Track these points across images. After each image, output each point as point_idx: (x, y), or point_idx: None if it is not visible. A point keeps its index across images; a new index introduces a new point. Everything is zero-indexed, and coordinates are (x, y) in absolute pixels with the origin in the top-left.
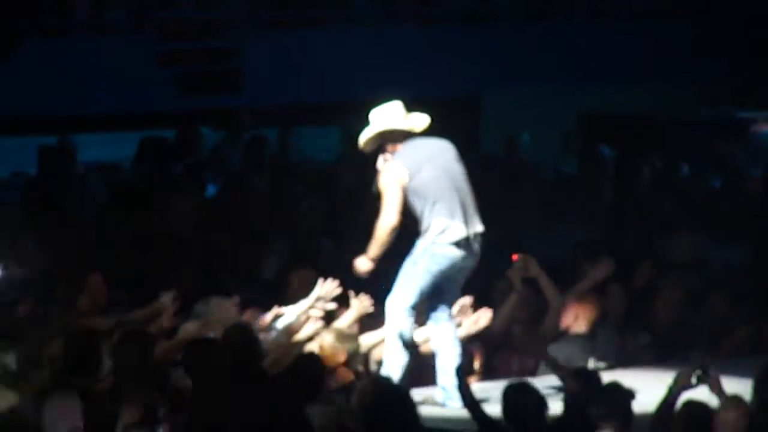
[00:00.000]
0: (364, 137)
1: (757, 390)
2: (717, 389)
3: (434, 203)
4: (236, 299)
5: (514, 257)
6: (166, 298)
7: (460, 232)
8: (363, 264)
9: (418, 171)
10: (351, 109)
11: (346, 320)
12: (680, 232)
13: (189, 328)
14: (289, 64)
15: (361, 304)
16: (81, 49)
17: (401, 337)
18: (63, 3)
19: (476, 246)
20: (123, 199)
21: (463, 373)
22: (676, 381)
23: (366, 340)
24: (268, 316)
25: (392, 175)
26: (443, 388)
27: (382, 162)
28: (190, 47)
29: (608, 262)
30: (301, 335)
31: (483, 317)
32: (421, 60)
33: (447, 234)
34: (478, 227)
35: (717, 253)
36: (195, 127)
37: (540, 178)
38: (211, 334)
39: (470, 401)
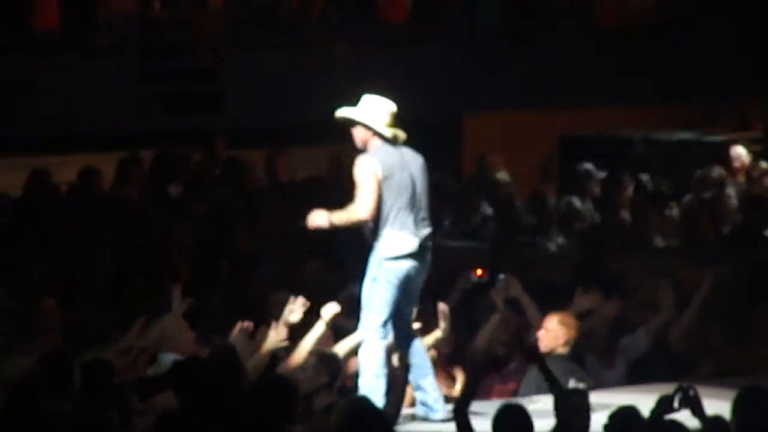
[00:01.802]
0: (346, 114)
1: (736, 411)
2: (699, 412)
3: (392, 213)
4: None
5: (477, 273)
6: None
7: (411, 244)
8: (320, 218)
9: (389, 176)
10: (335, 130)
11: (316, 334)
12: (661, 252)
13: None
14: (272, 84)
15: (326, 315)
16: (63, 68)
17: (376, 358)
18: (44, 21)
19: (428, 256)
20: (106, 218)
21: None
22: (658, 404)
23: (340, 348)
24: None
25: (369, 168)
26: (422, 403)
27: (358, 141)
28: (171, 67)
29: (595, 293)
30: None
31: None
32: (403, 81)
33: (399, 246)
34: (426, 230)
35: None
36: (178, 147)
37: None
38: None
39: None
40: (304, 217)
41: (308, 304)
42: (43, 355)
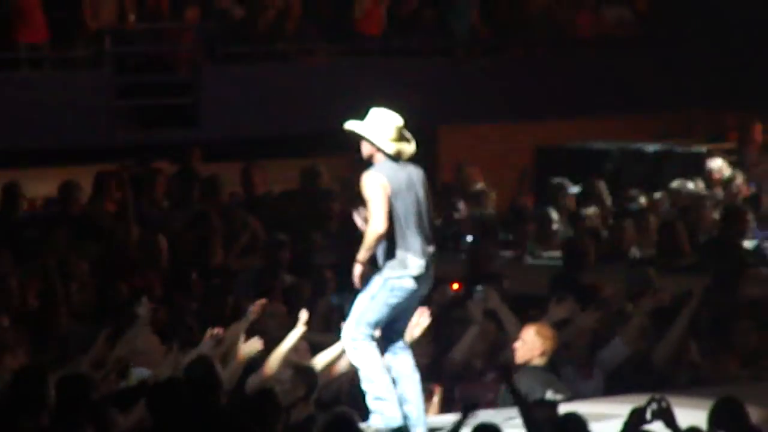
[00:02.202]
0: (354, 128)
1: (711, 422)
2: (671, 424)
3: (400, 232)
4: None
5: (454, 287)
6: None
7: (419, 265)
8: (357, 269)
9: (397, 194)
10: (310, 143)
11: (290, 342)
12: (636, 263)
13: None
14: (247, 97)
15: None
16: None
17: (372, 355)
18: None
19: (431, 271)
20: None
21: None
22: (631, 416)
23: (318, 361)
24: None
25: (378, 183)
26: (408, 416)
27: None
28: (146, 81)
29: (570, 303)
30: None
31: (422, 322)
32: (379, 93)
33: (407, 269)
34: (431, 248)
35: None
36: (154, 161)
37: None
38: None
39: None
40: (279, 228)
41: (265, 302)
42: (16, 371)
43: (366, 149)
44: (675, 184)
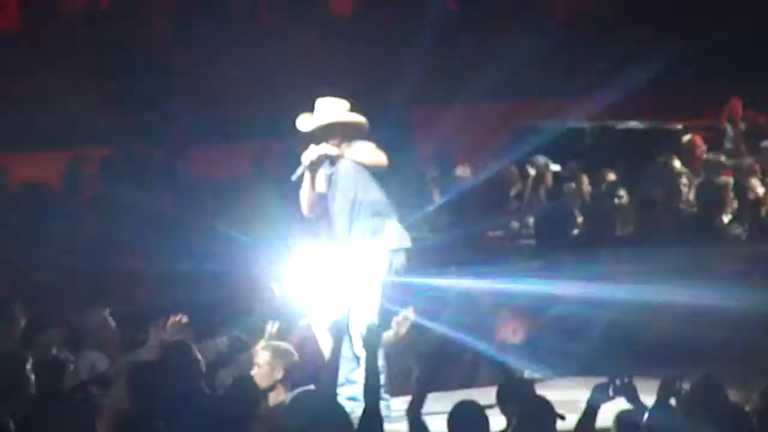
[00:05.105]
0: (317, 123)
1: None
2: (634, 399)
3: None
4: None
5: None
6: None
7: (407, 239)
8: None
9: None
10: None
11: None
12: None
13: None
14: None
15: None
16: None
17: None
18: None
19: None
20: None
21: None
22: (593, 392)
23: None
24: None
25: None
26: (350, 398)
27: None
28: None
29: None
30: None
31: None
32: (354, 75)
33: (403, 241)
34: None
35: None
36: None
37: None
38: None
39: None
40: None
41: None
42: None
43: (333, 140)
44: (656, 161)
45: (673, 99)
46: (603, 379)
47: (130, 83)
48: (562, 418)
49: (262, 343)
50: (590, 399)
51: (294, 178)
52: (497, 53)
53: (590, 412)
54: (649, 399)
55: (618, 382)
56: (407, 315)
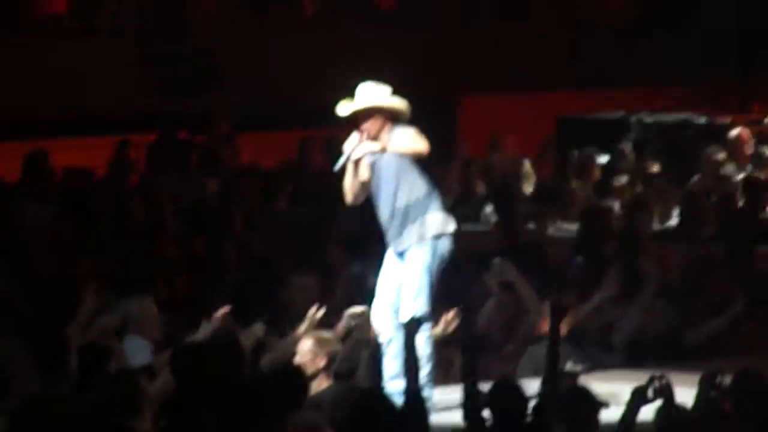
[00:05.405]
0: (357, 107)
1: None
2: (671, 401)
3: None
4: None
5: None
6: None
7: (452, 225)
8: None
9: None
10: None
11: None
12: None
13: None
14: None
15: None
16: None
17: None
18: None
19: None
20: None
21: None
22: (633, 396)
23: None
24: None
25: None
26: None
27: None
28: (170, 49)
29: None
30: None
31: (453, 320)
32: (402, 62)
33: (446, 227)
34: None
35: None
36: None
37: None
38: None
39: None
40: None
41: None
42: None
43: (374, 125)
44: (702, 155)
45: (721, 93)
46: (643, 374)
47: (177, 69)
48: (606, 405)
49: (302, 330)
50: (629, 402)
51: (336, 168)
52: (546, 43)
53: (629, 414)
54: (687, 393)
55: (657, 384)
56: (455, 313)
